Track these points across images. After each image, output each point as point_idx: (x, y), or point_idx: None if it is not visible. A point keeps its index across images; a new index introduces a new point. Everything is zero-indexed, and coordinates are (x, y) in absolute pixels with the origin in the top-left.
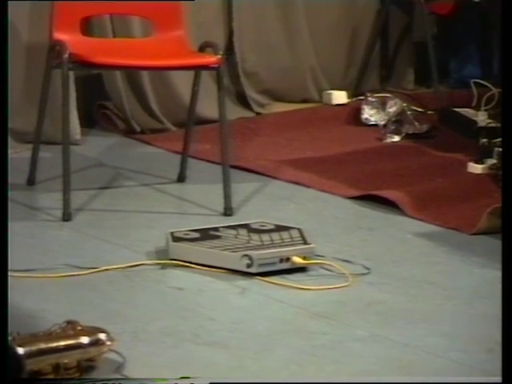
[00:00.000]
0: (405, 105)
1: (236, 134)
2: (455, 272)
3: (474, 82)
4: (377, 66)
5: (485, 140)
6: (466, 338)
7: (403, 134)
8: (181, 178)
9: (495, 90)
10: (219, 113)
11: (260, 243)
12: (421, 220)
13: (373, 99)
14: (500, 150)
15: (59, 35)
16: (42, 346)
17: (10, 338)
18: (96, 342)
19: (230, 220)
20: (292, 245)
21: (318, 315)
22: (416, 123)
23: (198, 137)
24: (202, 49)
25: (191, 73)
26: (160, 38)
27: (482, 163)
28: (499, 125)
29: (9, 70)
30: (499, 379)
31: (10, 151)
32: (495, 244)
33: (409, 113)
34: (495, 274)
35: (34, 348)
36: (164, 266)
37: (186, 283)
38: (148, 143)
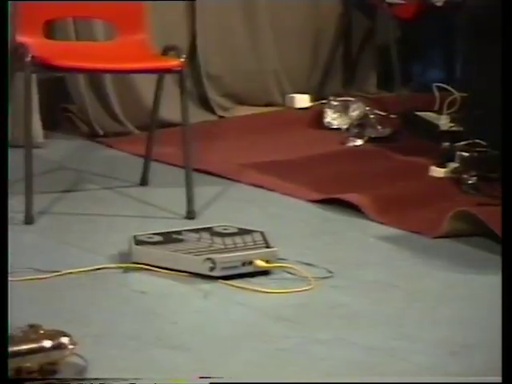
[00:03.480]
0: (367, 108)
1: (199, 138)
2: (418, 275)
3: (437, 86)
4: (340, 69)
5: (447, 144)
6: (429, 341)
7: (366, 138)
8: (144, 182)
9: (457, 94)
10: (182, 116)
11: (223, 246)
12: (383, 223)
13: (335, 103)
14: (462, 153)
15: (22, 38)
16: None
17: None
18: (58, 346)
19: (193, 223)
20: (255, 248)
21: (280, 318)
22: (378, 127)
23: (161, 140)
24: (165, 52)
25: (154, 76)
26: (122, 42)
27: (444, 167)
28: (461, 128)
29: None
30: (499, 379)
31: None
32: (458, 247)
33: (371, 116)
34: (458, 277)
35: None
36: (127, 270)
37: (148, 287)
38: (111, 146)
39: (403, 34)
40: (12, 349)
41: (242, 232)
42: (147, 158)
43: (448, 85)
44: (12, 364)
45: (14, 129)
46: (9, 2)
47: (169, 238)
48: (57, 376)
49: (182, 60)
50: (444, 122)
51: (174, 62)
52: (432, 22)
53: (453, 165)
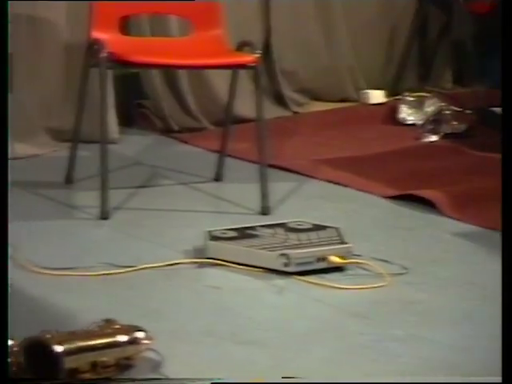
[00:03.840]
0: (443, 104)
1: (273, 133)
2: (494, 272)
3: None
4: (415, 65)
5: None
6: None
7: (441, 134)
8: (218, 177)
9: None
10: (257, 112)
11: (297, 242)
12: (459, 220)
13: (410, 98)
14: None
15: (97, 34)
16: (80, 344)
17: (48, 335)
18: (134, 341)
19: (267, 219)
20: (329, 244)
21: (355, 315)
22: (454, 123)
23: (236, 136)
24: (240, 48)
25: (229, 72)
26: (198, 37)
27: None
28: None
29: (43, 69)
30: (499, 379)
31: (47, 150)
32: None
33: (447, 112)
34: None
35: (72, 346)
36: (201, 265)
37: (223, 282)
38: (185, 142)
39: (479, 30)
40: (88, 343)
41: (317, 228)
42: (222, 153)
43: None
44: (88, 358)
45: (89, 125)
46: (9, 1)
47: (243, 234)
48: (132, 371)
49: (257, 56)
50: None
51: (248, 58)
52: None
53: None
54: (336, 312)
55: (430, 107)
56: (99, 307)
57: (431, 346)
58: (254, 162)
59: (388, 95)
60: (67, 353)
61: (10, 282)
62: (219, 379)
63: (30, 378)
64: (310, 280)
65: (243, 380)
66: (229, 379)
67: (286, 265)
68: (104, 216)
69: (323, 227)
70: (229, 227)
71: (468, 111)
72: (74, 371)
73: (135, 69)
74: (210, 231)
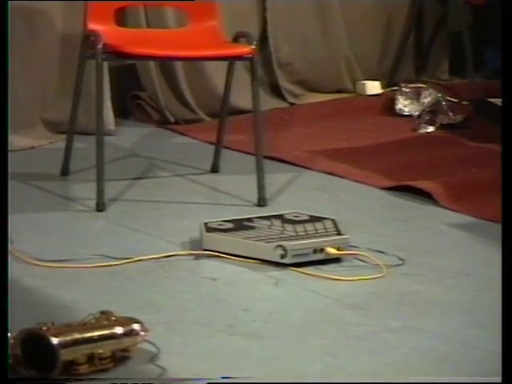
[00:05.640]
0: (439, 95)
1: (270, 125)
2: (491, 263)
3: None
4: (411, 56)
5: None
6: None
7: (437, 125)
8: (214, 169)
9: None
10: (253, 103)
11: (294, 234)
12: (456, 211)
13: (407, 89)
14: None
15: (93, 25)
16: (77, 336)
17: (44, 328)
18: (130, 333)
19: (264, 211)
20: (326, 235)
21: (352, 306)
22: (450, 114)
23: (232, 127)
24: (236, 39)
25: (225, 63)
26: (194, 29)
27: None
28: None
29: (39, 61)
30: (499, 379)
31: (43, 142)
32: None
33: (443, 103)
34: None
35: (68, 338)
36: (198, 257)
37: (219, 274)
38: (182, 134)
39: (475, 20)
40: (84, 335)
41: (313, 219)
42: (218, 145)
43: None
44: (85, 350)
45: (85, 117)
46: (9, 1)
47: (240, 225)
48: (128, 362)
49: (253, 47)
50: None
51: (244, 49)
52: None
53: None
54: (332, 303)
55: (427, 98)
56: (95, 299)
57: (427, 337)
58: (250, 154)
59: (384, 86)
60: (63, 345)
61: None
62: (218, 379)
63: (31, 378)
64: (307, 271)
65: (240, 372)
66: (227, 379)
67: (282, 256)
68: (100, 208)
69: (320, 218)
70: (225, 219)
71: (465, 102)
72: (71, 363)
73: (131, 60)
74: (206, 223)
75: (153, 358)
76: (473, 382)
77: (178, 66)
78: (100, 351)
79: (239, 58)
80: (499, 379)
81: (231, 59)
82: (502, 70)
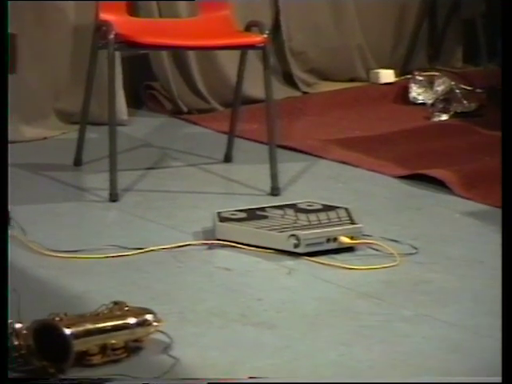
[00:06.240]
0: (453, 83)
1: (283, 114)
2: None
3: None
4: (425, 44)
5: None
6: None
7: (451, 113)
8: (227, 158)
9: None
10: (266, 92)
11: (307, 223)
12: (469, 199)
13: (421, 78)
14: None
15: (105, 16)
16: (89, 326)
17: (57, 318)
18: (143, 323)
19: (277, 200)
20: (339, 224)
21: (365, 295)
22: (464, 102)
23: (245, 117)
24: (248, 28)
25: (237, 52)
26: (206, 18)
27: None
28: None
29: (51, 51)
30: (499, 379)
31: (56, 132)
32: None
33: (457, 91)
34: None
35: (81, 329)
36: (211, 247)
37: (233, 263)
38: (195, 123)
39: (489, 8)
40: (97, 326)
41: (327, 208)
42: (231, 134)
43: None
44: (98, 341)
45: (98, 107)
46: (9, 1)
47: (253, 215)
48: (141, 353)
49: (265, 36)
50: None
51: (257, 38)
52: None
53: None
54: (346, 292)
55: (441, 86)
56: (108, 290)
57: (440, 326)
58: (263, 143)
59: (398, 75)
60: (76, 335)
61: (20, 265)
62: (217, 378)
63: (31, 378)
64: (320, 261)
65: (253, 362)
66: (226, 379)
67: (295, 246)
68: (113, 198)
69: (333, 207)
70: (238, 208)
71: (478, 90)
72: (83, 354)
73: (143, 50)
74: (219, 212)
75: (166, 348)
76: (473, 381)
77: (191, 55)
78: (113, 341)
79: (251, 47)
80: (499, 379)
81: (243, 48)
82: (502, 71)
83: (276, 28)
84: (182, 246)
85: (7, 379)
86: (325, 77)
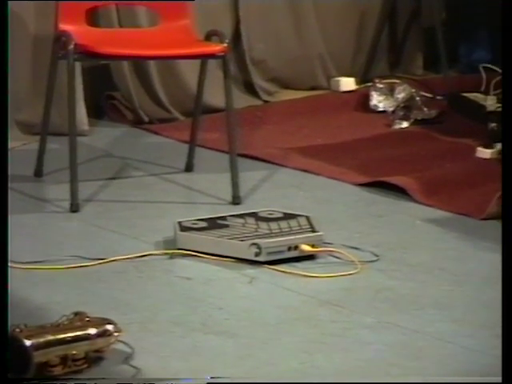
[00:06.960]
0: (413, 90)
1: (244, 123)
2: (465, 257)
3: (483, 67)
4: (385, 51)
5: (494, 125)
6: (476, 324)
7: (412, 120)
8: (189, 168)
9: None
10: (226, 101)
11: (268, 231)
12: (430, 206)
13: (381, 85)
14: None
15: (65, 26)
16: (50, 337)
17: (17, 330)
18: (104, 333)
19: (238, 209)
20: (300, 233)
21: (326, 303)
22: (425, 109)
23: (206, 126)
24: (208, 37)
25: (198, 62)
26: (166, 28)
27: (491, 148)
28: None
29: (10, 62)
30: (499, 379)
31: (17, 143)
32: None
33: (417, 98)
34: None
35: (41, 340)
36: (172, 256)
37: (194, 273)
38: (156, 133)
39: (449, 15)
40: (58, 337)
41: (288, 217)
42: (192, 143)
43: (495, 65)
44: (58, 352)
45: (58, 117)
46: (9, 1)
47: (214, 224)
48: (102, 363)
49: (225, 45)
50: (491, 103)
51: (217, 47)
52: (478, 2)
53: (500, 146)
54: (307, 301)
55: (401, 94)
56: (69, 300)
57: (402, 333)
58: (224, 152)
59: (358, 82)
60: (36, 347)
61: None
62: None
63: (31, 378)
64: (282, 269)
65: (215, 371)
66: (226, 378)
67: (257, 254)
68: (74, 209)
69: (294, 216)
70: (199, 217)
71: (439, 97)
72: (44, 365)
73: (103, 60)
74: (180, 222)
75: (127, 358)
76: (473, 382)
77: (151, 65)
78: (74, 352)
79: (211, 56)
80: (499, 379)
81: (203, 57)
82: (502, 70)
83: (236, 37)
84: (143, 255)
85: (7, 379)
86: (286, 85)
